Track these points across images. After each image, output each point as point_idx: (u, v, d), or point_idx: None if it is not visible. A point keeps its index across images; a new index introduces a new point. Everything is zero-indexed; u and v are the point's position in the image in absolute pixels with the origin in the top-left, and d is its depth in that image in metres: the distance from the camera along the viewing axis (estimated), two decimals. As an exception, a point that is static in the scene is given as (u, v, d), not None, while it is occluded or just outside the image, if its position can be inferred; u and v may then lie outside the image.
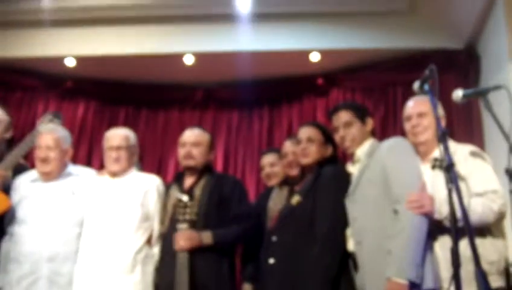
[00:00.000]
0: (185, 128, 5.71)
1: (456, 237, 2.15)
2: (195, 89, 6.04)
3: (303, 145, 3.38)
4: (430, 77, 2.52)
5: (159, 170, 5.69)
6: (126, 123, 5.81)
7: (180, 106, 6.09)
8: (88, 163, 5.48)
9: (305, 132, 3.45)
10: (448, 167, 2.22)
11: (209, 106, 6.06)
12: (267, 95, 5.97)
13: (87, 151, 5.75)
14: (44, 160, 3.59)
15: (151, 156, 5.86)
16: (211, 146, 3.76)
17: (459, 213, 2.21)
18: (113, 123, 5.87)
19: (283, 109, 5.94)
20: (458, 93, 2.67)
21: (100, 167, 5.18)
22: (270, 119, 5.94)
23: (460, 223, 2.21)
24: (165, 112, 6.10)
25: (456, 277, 2.07)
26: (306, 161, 3.37)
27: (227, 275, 3.41)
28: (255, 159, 5.72)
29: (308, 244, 3.02)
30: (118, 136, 3.67)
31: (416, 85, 2.64)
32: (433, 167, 2.74)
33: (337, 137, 3.31)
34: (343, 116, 3.28)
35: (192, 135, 3.69)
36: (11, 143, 4.02)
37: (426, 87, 2.55)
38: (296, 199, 3.23)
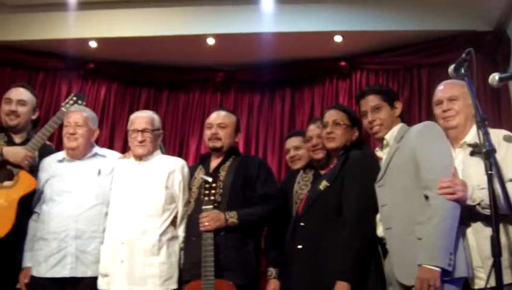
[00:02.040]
0: (206, 110, 5.87)
1: (496, 224, 2.10)
2: (216, 71, 6.03)
3: (329, 129, 3.34)
4: (467, 60, 2.46)
5: (181, 152, 5.71)
6: (147, 105, 5.88)
7: (202, 87, 6.09)
8: (110, 144, 5.51)
9: (331, 115, 3.40)
10: (488, 153, 2.17)
11: (230, 87, 6.05)
12: (289, 77, 5.94)
13: (109, 133, 5.78)
14: (72, 135, 3.62)
15: (173, 137, 5.87)
16: (237, 128, 3.75)
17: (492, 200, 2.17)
18: (134, 105, 5.96)
19: (305, 91, 5.90)
20: (495, 77, 2.61)
21: (122, 148, 5.23)
22: (291, 102, 5.91)
23: (502, 210, 2.17)
24: (186, 94, 6.10)
25: (496, 266, 2.02)
26: (332, 144, 3.33)
27: (252, 256, 3.43)
28: (276, 142, 5.73)
29: (336, 229, 2.99)
30: (143, 119, 3.66)
31: (451, 68, 2.58)
32: (472, 153, 2.69)
33: (365, 122, 3.26)
34: (372, 100, 3.22)
35: (218, 117, 3.68)
36: (36, 124, 4.04)
37: (463, 70, 2.49)
38: (323, 183, 3.20)
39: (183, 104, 6.05)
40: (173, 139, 5.84)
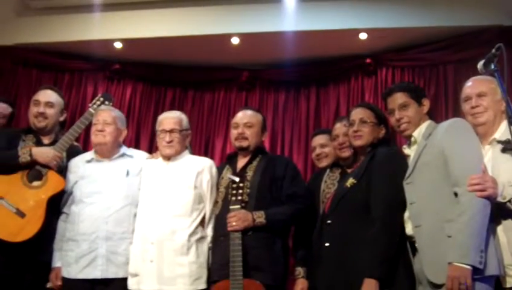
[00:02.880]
0: (231, 110, 5.88)
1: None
2: (241, 70, 6.05)
3: (355, 127, 3.31)
4: (497, 55, 2.42)
5: (206, 152, 5.73)
6: (173, 105, 5.93)
7: (226, 87, 6.12)
8: (136, 145, 5.56)
9: (358, 113, 3.37)
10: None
11: (255, 86, 6.07)
12: (314, 75, 5.94)
13: (135, 133, 5.82)
14: (101, 131, 3.65)
15: (198, 137, 5.90)
16: (264, 127, 3.73)
17: None
18: (160, 105, 6.01)
19: (330, 89, 5.90)
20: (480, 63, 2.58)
21: (148, 148, 5.26)
22: (317, 100, 5.91)
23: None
24: (211, 94, 6.14)
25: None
26: (359, 142, 3.31)
27: (280, 255, 3.42)
28: (302, 140, 5.73)
29: (364, 227, 2.97)
30: (171, 119, 3.66)
31: (480, 64, 2.55)
32: (504, 150, 2.65)
33: (392, 120, 3.23)
34: (399, 98, 3.18)
35: (245, 116, 3.67)
36: (63, 125, 4.08)
37: (493, 66, 2.46)
38: (350, 181, 3.18)
39: (208, 103, 6.09)
40: (198, 139, 5.87)
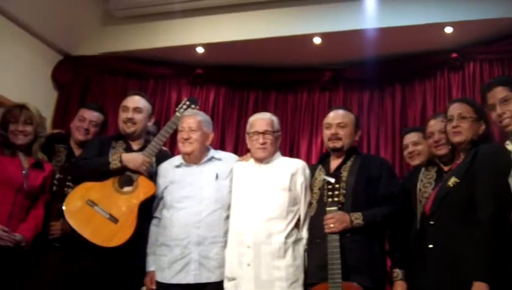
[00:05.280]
0: (315, 110, 5.83)
1: None
2: (323, 70, 5.98)
3: (454, 123, 3.18)
4: None
5: (291, 153, 5.69)
6: (256, 107, 5.95)
7: (309, 87, 6.06)
8: (221, 148, 5.53)
9: (456, 109, 3.24)
10: None
11: (338, 86, 5.98)
12: (399, 72, 5.81)
13: (219, 137, 5.84)
14: (187, 140, 3.64)
15: (283, 139, 5.78)
16: (357, 126, 3.65)
17: None
18: (243, 108, 6.05)
19: (415, 86, 5.74)
20: None
21: (233, 152, 5.24)
22: (402, 98, 5.77)
23: None
24: (294, 95, 6.12)
25: None
26: (458, 139, 3.18)
27: (378, 257, 3.36)
28: (388, 139, 5.61)
29: (469, 227, 2.84)
30: (263, 121, 3.63)
31: None
32: None
33: (493, 115, 3.06)
34: (500, 92, 3.02)
35: (337, 116, 3.61)
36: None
37: None
38: (452, 180, 3.05)
39: (292, 105, 6.05)
40: (283, 141, 5.79)
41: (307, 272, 3.38)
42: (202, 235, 3.47)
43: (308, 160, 5.19)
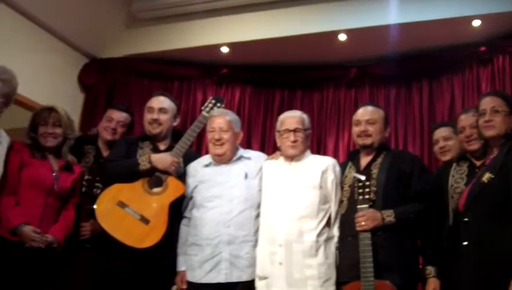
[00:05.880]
0: (341, 108, 5.79)
1: None
2: (349, 67, 5.92)
3: (487, 117, 3.13)
4: None
5: (318, 151, 5.64)
6: (282, 106, 5.93)
7: (335, 85, 6.00)
8: (248, 148, 5.51)
9: (489, 102, 3.17)
10: None
11: (364, 83, 5.91)
12: (426, 67, 5.71)
13: (246, 136, 5.79)
14: (218, 140, 3.63)
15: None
16: (386, 122, 3.62)
17: None
18: (269, 107, 6.03)
19: (443, 81, 5.64)
20: None
21: (259, 150, 5.22)
22: (429, 93, 5.67)
23: None
24: (320, 92, 6.05)
25: None
26: (491, 133, 3.12)
27: (411, 255, 3.32)
28: (416, 135, 5.54)
29: (504, 224, 2.80)
30: (293, 119, 3.62)
31: None
32: None
33: None
34: None
35: (366, 113, 3.58)
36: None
37: None
38: (486, 175, 2.99)
39: (318, 102, 6.00)
40: (310, 139, 5.77)
41: (338, 270, 3.36)
42: (233, 234, 3.47)
43: (335, 158, 5.07)
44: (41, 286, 3.57)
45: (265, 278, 3.35)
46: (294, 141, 3.53)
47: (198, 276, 3.47)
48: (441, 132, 3.94)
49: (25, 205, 3.53)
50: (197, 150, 5.15)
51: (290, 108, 5.49)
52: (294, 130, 3.55)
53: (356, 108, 3.80)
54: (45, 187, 3.58)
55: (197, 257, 3.49)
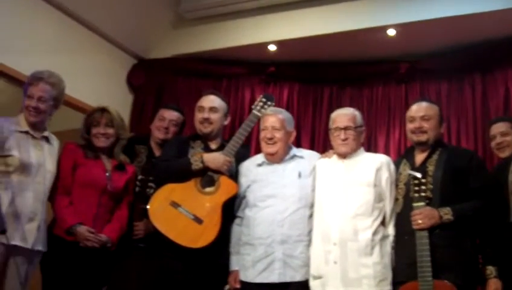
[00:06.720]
0: (391, 104, 5.70)
1: None
2: (398, 62, 5.81)
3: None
4: None
5: (369, 148, 5.54)
6: (330, 103, 5.88)
7: (385, 80, 5.90)
8: (297, 146, 5.47)
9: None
10: None
11: (414, 78, 5.79)
12: (477, 61, 5.54)
13: (295, 134, 5.76)
14: (271, 139, 3.61)
15: (360, 134, 5.74)
16: (441, 118, 3.55)
17: None
18: (317, 104, 6.00)
19: (496, 74, 5.47)
20: None
21: (309, 148, 5.19)
22: (483, 87, 5.51)
23: None
24: (370, 89, 5.95)
25: None
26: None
27: (470, 254, 3.25)
28: (470, 131, 5.40)
29: None
30: (344, 116, 3.59)
31: None
32: None
33: None
34: None
35: (420, 109, 3.51)
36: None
37: None
38: (549, 171, 2.91)
39: (367, 99, 5.91)
40: (363, 136, 5.71)
41: (394, 269, 3.31)
42: (286, 233, 3.44)
43: (386, 155, 5.07)
44: (96, 285, 3.63)
45: (319, 277, 3.31)
46: (345, 139, 3.50)
47: (251, 276, 3.46)
48: (498, 127, 3.87)
49: (79, 204, 3.58)
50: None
51: (339, 105, 5.43)
52: (345, 128, 3.51)
53: (407, 104, 3.74)
54: (99, 187, 3.63)
55: (249, 256, 3.49)
